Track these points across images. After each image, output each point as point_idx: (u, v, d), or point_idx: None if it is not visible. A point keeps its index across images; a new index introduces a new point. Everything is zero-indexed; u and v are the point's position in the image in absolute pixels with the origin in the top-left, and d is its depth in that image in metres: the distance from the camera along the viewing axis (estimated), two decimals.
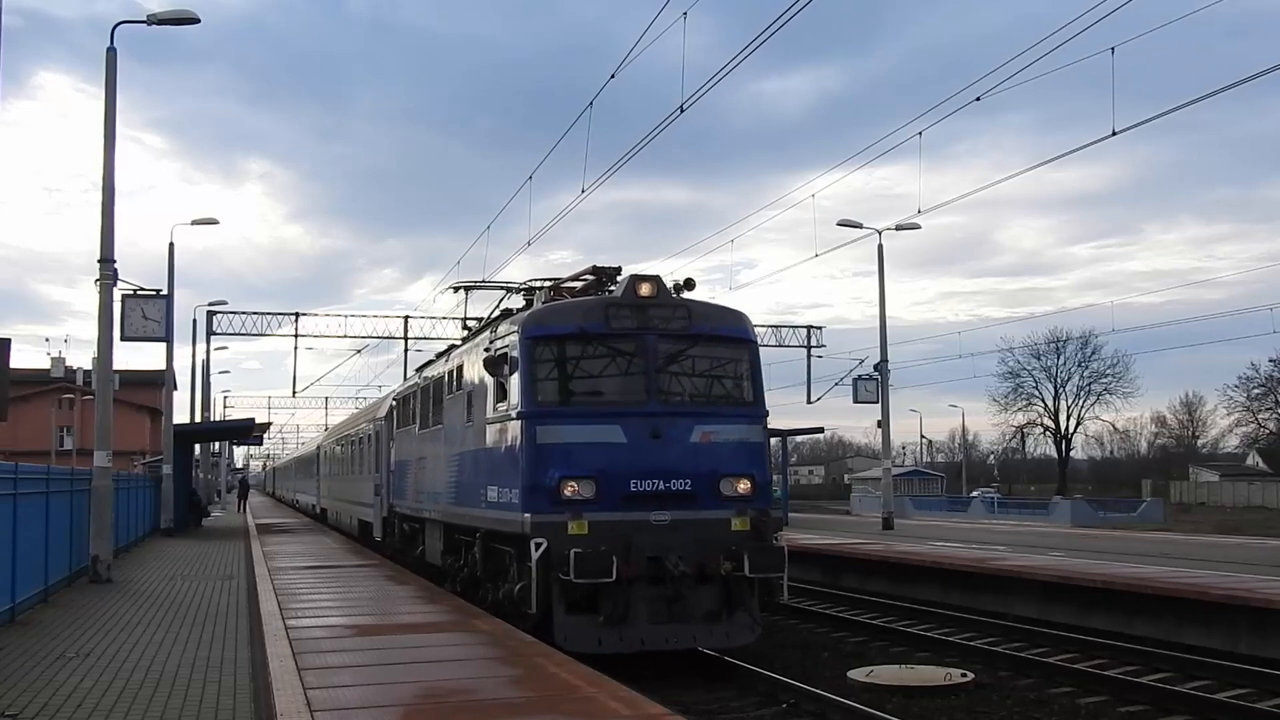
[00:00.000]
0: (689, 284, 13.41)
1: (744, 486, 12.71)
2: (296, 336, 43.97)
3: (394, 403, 23.54)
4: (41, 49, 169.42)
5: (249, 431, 51.60)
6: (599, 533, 11.90)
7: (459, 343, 17.97)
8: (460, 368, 15.75)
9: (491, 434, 13.57)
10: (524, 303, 15.23)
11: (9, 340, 14.67)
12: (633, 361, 12.76)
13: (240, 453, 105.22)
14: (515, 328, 12.94)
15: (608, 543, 11.77)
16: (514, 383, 12.73)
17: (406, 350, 45.73)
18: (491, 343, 13.73)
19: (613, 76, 17.37)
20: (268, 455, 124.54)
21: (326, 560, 22.48)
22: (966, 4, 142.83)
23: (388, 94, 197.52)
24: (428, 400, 18.60)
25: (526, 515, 12.09)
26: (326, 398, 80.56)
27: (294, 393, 47.37)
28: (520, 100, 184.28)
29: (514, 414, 12.62)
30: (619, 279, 13.67)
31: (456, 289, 19.41)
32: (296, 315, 44.03)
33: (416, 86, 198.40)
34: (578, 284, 14.77)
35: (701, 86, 15.74)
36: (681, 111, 16.29)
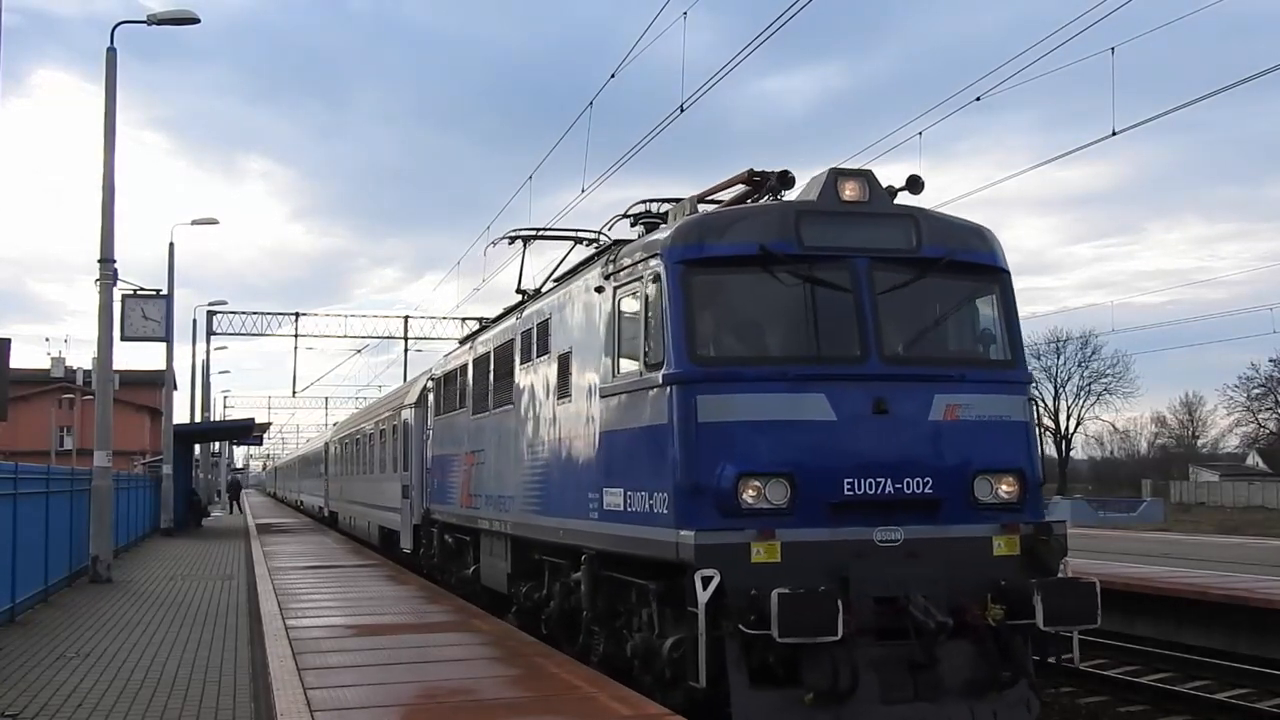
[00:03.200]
0: (914, 184, 9.32)
1: (1009, 488, 8.78)
2: (296, 336, 44.17)
3: (430, 384, 19.31)
4: (41, 47, 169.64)
5: (249, 431, 51.71)
6: (798, 560, 8.03)
7: (529, 294, 13.87)
8: (546, 324, 11.74)
9: (612, 411, 9.58)
10: (641, 230, 10.87)
11: (9, 340, 14.67)
12: (839, 298, 8.73)
13: (240, 453, 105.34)
14: (656, 251, 8.98)
15: (816, 576, 7.93)
16: (656, 333, 8.78)
17: (406, 350, 45.90)
18: (610, 278, 9.79)
19: (613, 76, 17.33)
20: (268, 455, 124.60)
21: (326, 560, 22.49)
22: (967, 3, 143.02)
23: (389, 93, 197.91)
24: (486, 374, 14.50)
25: (685, 533, 8.10)
26: (326, 398, 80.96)
27: (294, 393, 47.62)
28: (521, 99, 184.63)
29: (658, 379, 8.64)
30: (785, 193, 9.70)
31: (513, 240, 14.99)
32: (296, 315, 44.21)
33: (418, 85, 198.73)
34: (721, 201, 10.53)
35: (702, 86, 15.71)
36: (682, 111, 16.27)
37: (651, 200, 11.09)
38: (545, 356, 11.68)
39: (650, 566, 8.91)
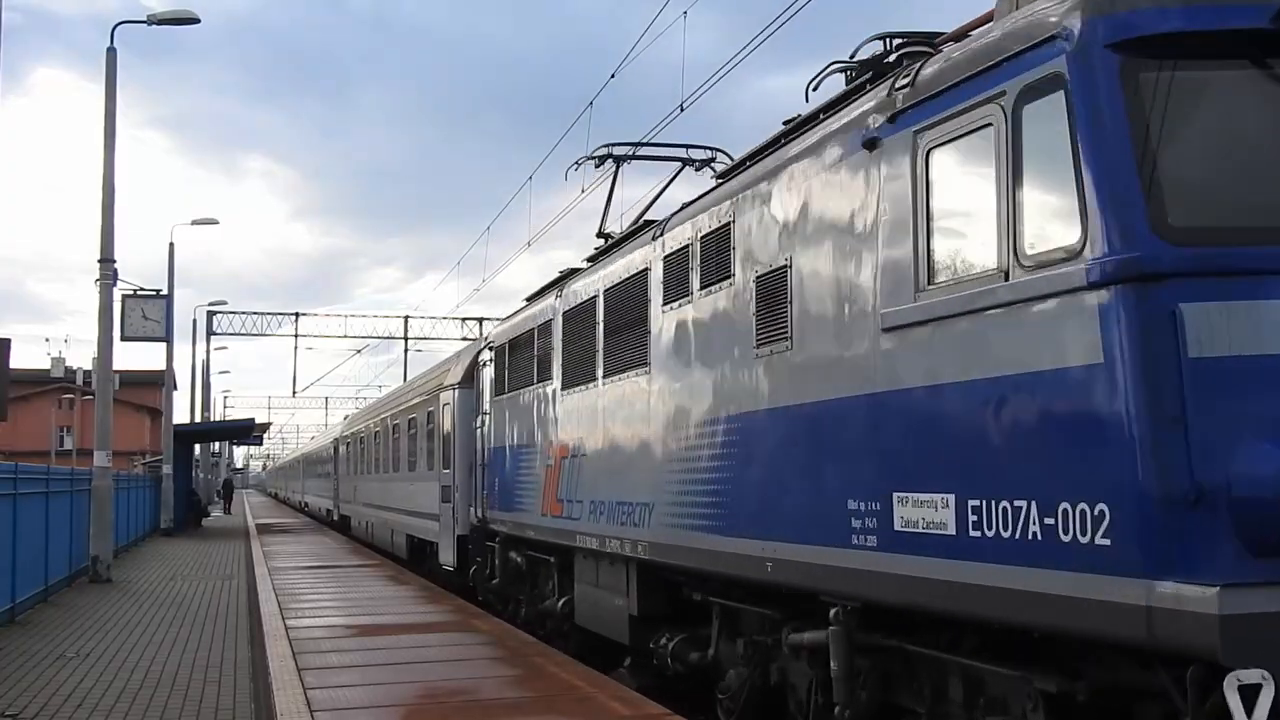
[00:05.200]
0: None
1: None
2: (297, 336, 44.24)
3: (488, 355, 15.16)
4: (42, 46, 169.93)
5: (249, 431, 51.79)
6: None
7: (613, 238, 11.38)
8: (723, 234, 7.81)
9: (917, 351, 5.55)
10: (892, 85, 6.03)
11: (9, 340, 14.67)
12: None
13: (240, 452, 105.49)
14: (1050, 33, 4.75)
15: None
16: (1058, 189, 4.73)
17: (407, 350, 45.94)
18: (901, 118, 5.72)
19: (613, 76, 17.32)
20: (268, 455, 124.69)
21: (327, 560, 22.50)
22: (969, 3, 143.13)
23: (390, 92, 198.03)
24: (591, 329, 10.61)
25: (1178, 587, 4.11)
26: (326, 398, 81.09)
27: (294, 393, 47.67)
28: (523, 99, 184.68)
29: (1076, 276, 4.53)
30: None
31: (600, 161, 12.21)
32: (296, 315, 44.28)
33: (419, 85, 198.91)
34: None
35: (701, 85, 15.70)
36: (682, 110, 16.27)
37: (885, 34, 6.79)
38: (722, 284, 7.77)
39: (1005, 638, 5.22)
